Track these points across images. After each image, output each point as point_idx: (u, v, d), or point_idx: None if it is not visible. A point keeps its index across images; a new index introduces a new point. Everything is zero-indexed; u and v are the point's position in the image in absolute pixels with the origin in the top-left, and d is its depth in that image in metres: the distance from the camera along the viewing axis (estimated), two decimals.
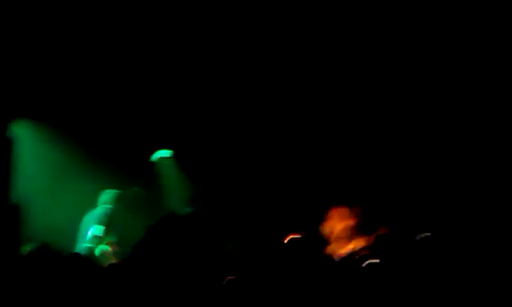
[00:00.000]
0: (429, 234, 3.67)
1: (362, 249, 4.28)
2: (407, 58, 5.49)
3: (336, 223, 5.09)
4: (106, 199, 5.34)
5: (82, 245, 4.89)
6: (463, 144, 5.56)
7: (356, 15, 5.09)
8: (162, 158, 6.34)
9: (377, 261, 3.34)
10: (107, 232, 5.00)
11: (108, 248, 4.66)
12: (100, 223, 5.05)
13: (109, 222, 5.09)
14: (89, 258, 3.47)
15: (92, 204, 5.45)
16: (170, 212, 4.89)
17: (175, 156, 6.41)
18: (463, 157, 5.58)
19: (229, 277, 2.66)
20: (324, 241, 4.88)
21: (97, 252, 4.61)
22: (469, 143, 5.53)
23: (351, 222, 5.06)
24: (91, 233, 4.95)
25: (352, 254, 4.29)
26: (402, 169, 5.86)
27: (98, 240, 4.88)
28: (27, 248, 3.74)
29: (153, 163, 6.24)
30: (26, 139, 5.68)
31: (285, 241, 5.75)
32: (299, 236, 6.14)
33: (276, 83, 5.84)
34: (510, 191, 5.20)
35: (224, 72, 5.74)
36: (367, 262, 3.40)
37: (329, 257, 4.60)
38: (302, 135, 6.17)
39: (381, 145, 6.01)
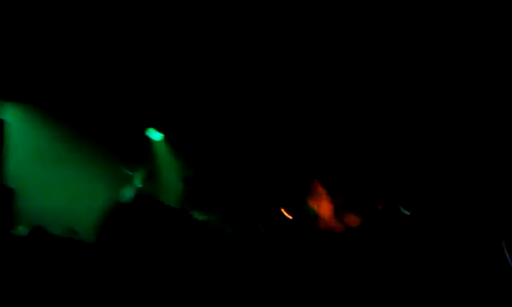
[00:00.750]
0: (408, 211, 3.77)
1: (355, 224, 4.35)
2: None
3: (324, 199, 5.17)
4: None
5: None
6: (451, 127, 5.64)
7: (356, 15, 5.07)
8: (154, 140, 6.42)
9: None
10: None
11: None
12: None
13: None
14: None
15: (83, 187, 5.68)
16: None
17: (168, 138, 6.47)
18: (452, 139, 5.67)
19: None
20: (314, 217, 4.96)
21: None
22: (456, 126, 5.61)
23: (339, 199, 5.14)
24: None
25: (345, 230, 4.36)
26: (391, 148, 5.95)
27: None
28: (19, 230, 3.74)
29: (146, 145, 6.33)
30: (16, 122, 5.73)
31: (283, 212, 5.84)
32: (286, 213, 6.24)
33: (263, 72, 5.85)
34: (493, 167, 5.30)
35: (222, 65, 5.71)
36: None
37: (322, 233, 4.69)
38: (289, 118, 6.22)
39: (369, 125, 6.09)
